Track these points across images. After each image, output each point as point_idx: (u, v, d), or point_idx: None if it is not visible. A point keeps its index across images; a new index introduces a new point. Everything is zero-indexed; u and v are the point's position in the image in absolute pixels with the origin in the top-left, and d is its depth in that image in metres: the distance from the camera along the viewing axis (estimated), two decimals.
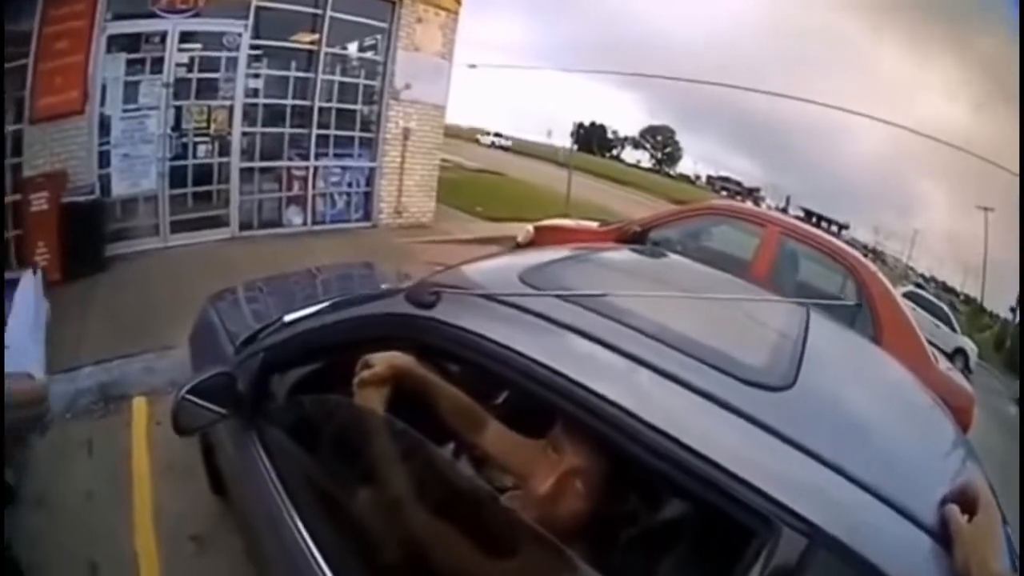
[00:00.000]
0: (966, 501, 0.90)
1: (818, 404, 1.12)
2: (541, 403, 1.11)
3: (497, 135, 50.33)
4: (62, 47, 5.42)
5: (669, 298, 1.49)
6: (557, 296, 1.25)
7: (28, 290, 1.05)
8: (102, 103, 5.98)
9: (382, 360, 1.37)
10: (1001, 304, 33.67)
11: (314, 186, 8.00)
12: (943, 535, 0.84)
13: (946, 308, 16.48)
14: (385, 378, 1.36)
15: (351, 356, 1.41)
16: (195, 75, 6.61)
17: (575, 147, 20.76)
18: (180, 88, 6.50)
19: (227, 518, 2.34)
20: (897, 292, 4.82)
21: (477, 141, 44.87)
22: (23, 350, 0.93)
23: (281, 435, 1.62)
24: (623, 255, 2.24)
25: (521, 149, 48.33)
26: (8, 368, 0.88)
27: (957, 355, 13.77)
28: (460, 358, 1.31)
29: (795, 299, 1.78)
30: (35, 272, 0.95)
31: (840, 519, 0.83)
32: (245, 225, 7.36)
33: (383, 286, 2.26)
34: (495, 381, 1.48)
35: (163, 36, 6.25)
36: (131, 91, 6.19)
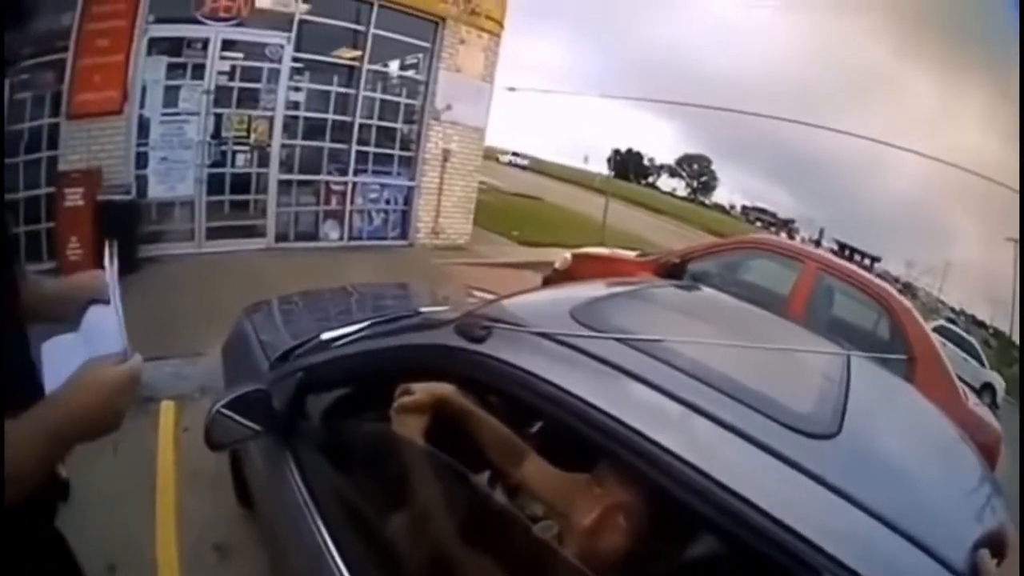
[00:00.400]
0: (996, 545, 0.92)
1: (862, 451, 1.12)
2: (591, 444, 1.10)
3: (515, 154, 50.70)
4: (103, 45, 5.52)
5: (719, 345, 1.47)
6: (612, 338, 1.24)
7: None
8: (141, 105, 6.09)
9: (423, 388, 1.36)
10: None
11: (352, 201, 8.06)
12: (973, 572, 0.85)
13: (975, 343, 16.26)
14: (425, 407, 1.36)
15: (392, 382, 1.40)
16: (236, 84, 6.73)
17: (612, 173, 20.79)
18: (221, 96, 6.61)
19: (252, 530, 2.34)
20: (929, 327, 4.75)
21: (496, 160, 45.23)
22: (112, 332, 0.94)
23: (316, 455, 1.62)
24: (668, 292, 2.23)
25: (549, 171, 48.76)
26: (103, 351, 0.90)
27: (985, 390, 13.61)
28: (509, 394, 1.30)
29: (846, 351, 1.76)
30: (112, 259, 0.96)
31: (881, 568, 0.83)
32: (281, 236, 7.44)
33: (420, 308, 2.26)
34: (536, 415, 1.47)
35: (205, 43, 6.38)
36: (171, 95, 6.31)
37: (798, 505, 0.90)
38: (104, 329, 0.93)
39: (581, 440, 1.13)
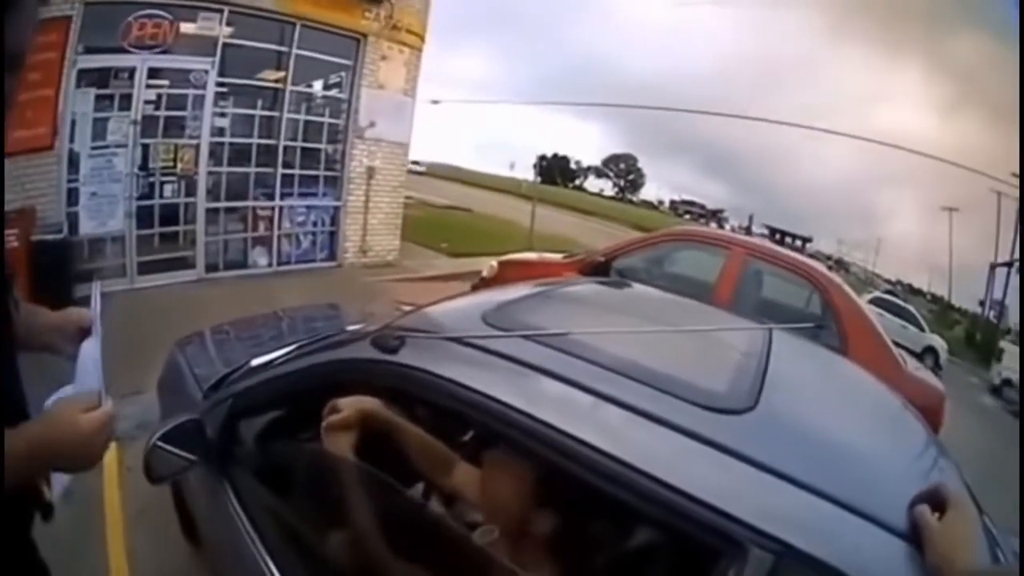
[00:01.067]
0: (936, 501, 0.92)
1: (781, 422, 1.15)
2: (507, 442, 1.13)
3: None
4: (34, 79, 5.33)
5: (625, 333, 1.52)
6: (519, 336, 1.28)
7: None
8: (71, 139, 5.92)
9: (349, 404, 1.38)
10: (969, 299, 34.65)
11: (279, 226, 7.97)
12: (914, 536, 0.86)
13: (913, 309, 16.90)
14: (352, 423, 1.37)
15: (319, 401, 1.41)
16: (162, 113, 6.59)
17: (538, 179, 20.92)
18: (147, 125, 6.46)
19: (201, 563, 2.31)
20: (862, 300, 4.92)
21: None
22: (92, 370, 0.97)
23: (252, 479, 1.61)
24: (586, 288, 2.27)
25: (476, 181, 48.60)
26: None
27: (927, 353, 14.18)
28: (429, 401, 1.32)
29: (752, 325, 1.83)
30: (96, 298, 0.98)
31: (808, 533, 0.85)
32: (211, 267, 7.31)
33: (349, 327, 2.28)
34: (459, 421, 1.50)
35: (131, 72, 6.23)
36: (99, 127, 6.14)
37: (715, 481, 0.93)
38: (88, 366, 0.98)
39: (502, 440, 1.16)
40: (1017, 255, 24.08)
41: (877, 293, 19.38)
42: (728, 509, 0.88)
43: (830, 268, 5.61)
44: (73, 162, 5.99)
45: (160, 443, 1.50)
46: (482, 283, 5.70)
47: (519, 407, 1.08)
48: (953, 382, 10.45)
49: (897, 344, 4.61)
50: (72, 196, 6.02)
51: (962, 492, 0.97)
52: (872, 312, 5.15)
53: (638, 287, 2.51)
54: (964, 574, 0.81)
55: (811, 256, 6.13)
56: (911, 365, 4.52)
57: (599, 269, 5.12)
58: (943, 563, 0.81)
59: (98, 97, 6.09)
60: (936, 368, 12.80)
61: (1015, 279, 24.41)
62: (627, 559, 1.17)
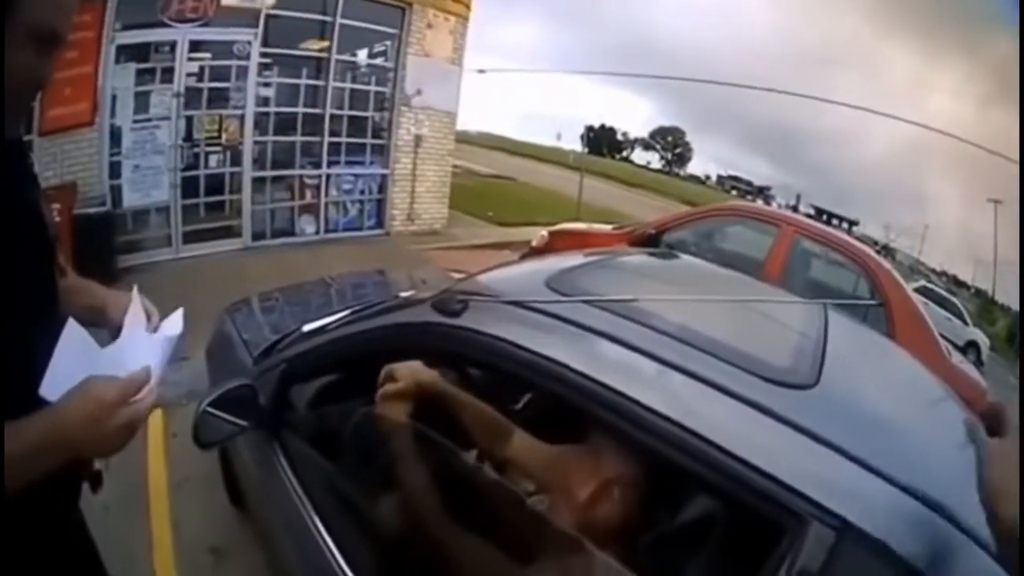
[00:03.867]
0: (995, 419, 0.90)
1: (841, 400, 1.13)
2: (572, 408, 1.11)
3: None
4: (72, 57, 5.39)
5: (693, 301, 1.48)
6: (586, 302, 1.25)
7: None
8: (112, 114, 5.99)
9: (406, 375, 1.36)
10: (1012, 296, 33.59)
11: (326, 194, 7.99)
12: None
13: (957, 302, 16.50)
14: (409, 393, 1.36)
15: (374, 366, 1.40)
16: (206, 84, 6.63)
17: (586, 150, 20.73)
18: (191, 98, 6.51)
19: (246, 530, 2.33)
20: (909, 287, 4.81)
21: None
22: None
23: (304, 445, 1.62)
24: (643, 259, 2.24)
25: (523, 151, 47.59)
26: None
27: (969, 348, 13.85)
28: (488, 365, 1.30)
29: (816, 300, 1.78)
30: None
31: (866, 512, 0.83)
32: (258, 235, 7.36)
33: (398, 293, 2.27)
34: (521, 387, 1.48)
35: (172, 46, 6.26)
36: (141, 101, 6.20)
37: (779, 454, 0.91)
38: (134, 357, 0.91)
39: (562, 406, 1.13)
40: None
41: (923, 282, 18.89)
42: (792, 483, 0.86)
43: (877, 253, 5.45)
44: (115, 136, 6.07)
45: (210, 408, 1.51)
46: (532, 252, 5.70)
47: (582, 371, 1.07)
48: (993, 379, 10.12)
49: (941, 336, 4.49)
50: (114, 170, 6.11)
51: (1016, 423, 0.94)
52: (919, 300, 5.02)
53: (694, 260, 2.47)
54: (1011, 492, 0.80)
55: (858, 239, 5.96)
56: (955, 357, 4.44)
57: (649, 241, 5.11)
58: (1008, 481, 0.82)
59: (139, 71, 6.14)
60: (978, 363, 12.46)
61: None
62: (683, 530, 1.16)
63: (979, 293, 41.24)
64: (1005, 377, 15.28)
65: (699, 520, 1.14)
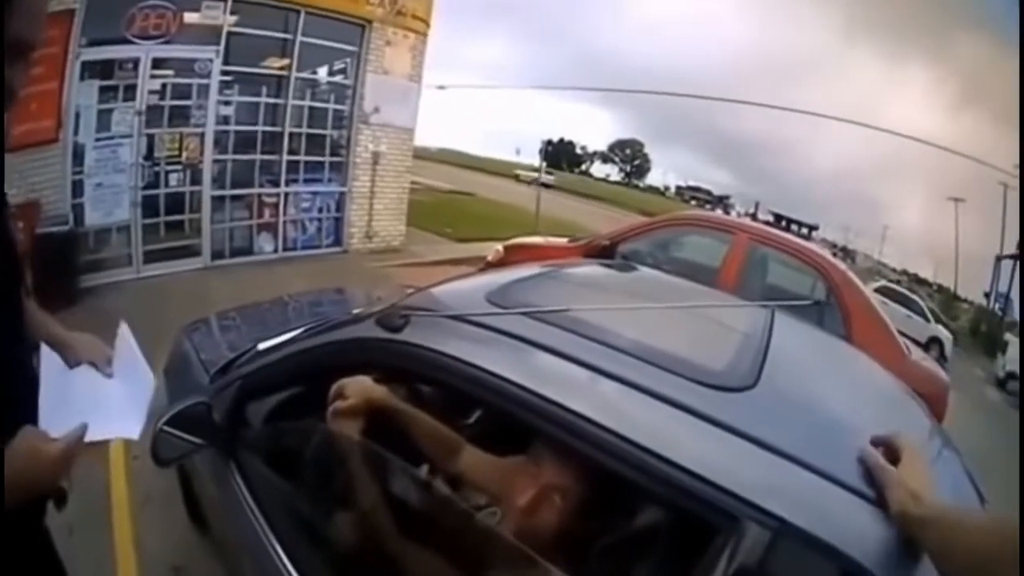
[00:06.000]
0: (889, 447, 0.94)
1: (781, 401, 1.16)
2: (510, 419, 1.13)
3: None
4: (38, 73, 5.31)
5: (633, 310, 1.52)
6: (522, 314, 1.28)
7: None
8: (75, 131, 5.92)
9: (356, 391, 1.37)
10: (974, 290, 34.51)
11: (285, 212, 7.99)
12: (870, 482, 0.89)
13: (919, 299, 16.79)
14: (359, 410, 1.37)
15: (325, 382, 1.42)
16: (167, 102, 6.60)
17: (544, 164, 20.95)
18: (152, 116, 6.48)
19: (207, 547, 2.32)
20: (867, 288, 4.91)
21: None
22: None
23: (259, 462, 1.62)
24: (589, 270, 2.28)
25: (481, 166, 48.45)
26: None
27: (932, 344, 14.02)
28: (432, 379, 1.33)
29: (752, 303, 1.83)
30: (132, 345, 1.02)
31: (805, 509, 0.85)
32: (217, 254, 7.33)
33: (355, 311, 2.28)
34: (467, 400, 1.50)
35: (135, 63, 6.24)
36: (104, 119, 6.15)
37: (713, 457, 0.93)
38: (98, 404, 0.98)
39: (506, 420, 1.16)
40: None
41: (883, 282, 19.27)
42: (725, 484, 0.88)
43: (835, 256, 5.57)
44: (77, 154, 6.00)
45: (167, 427, 1.51)
46: (488, 267, 5.67)
47: (518, 382, 1.09)
48: (958, 373, 10.39)
49: (902, 334, 4.60)
50: (77, 188, 6.03)
51: (916, 446, 0.98)
52: (876, 300, 5.15)
53: (643, 270, 2.52)
54: (919, 517, 0.81)
55: (817, 244, 6.07)
56: (916, 354, 4.53)
57: (604, 253, 5.12)
58: (906, 502, 0.83)
59: (102, 89, 6.10)
60: (941, 359, 12.70)
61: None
62: (625, 535, 1.18)
63: (941, 290, 42.21)
64: (970, 371, 15.70)
65: (641, 526, 1.17)
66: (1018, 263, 24.25)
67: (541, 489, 1.16)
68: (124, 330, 1.13)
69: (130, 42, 6.14)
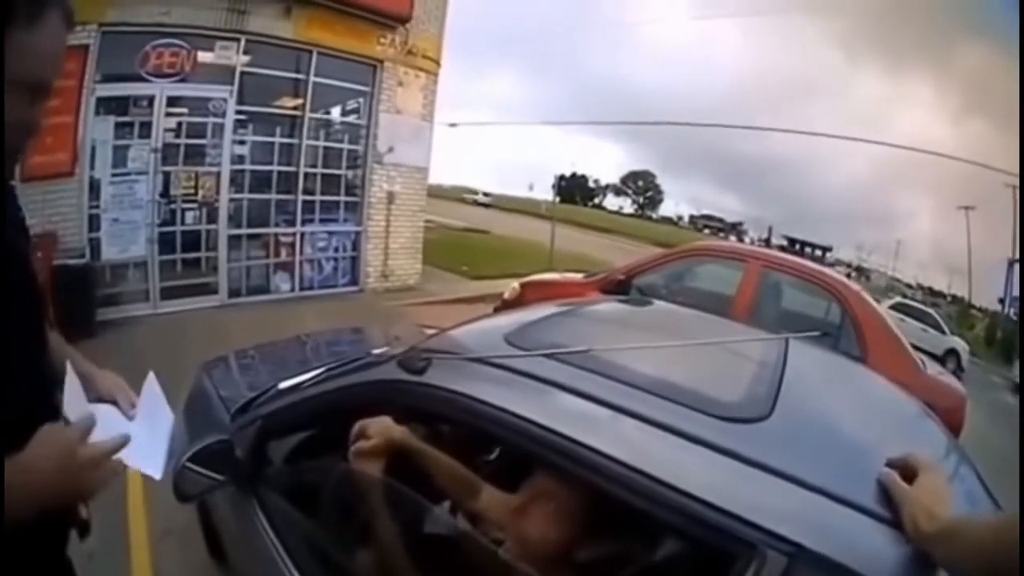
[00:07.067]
0: (906, 468, 0.95)
1: (796, 429, 1.17)
2: (529, 456, 1.16)
3: (485, 194, 54.55)
4: (54, 105, 5.34)
5: (645, 348, 1.54)
6: (542, 355, 1.31)
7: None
8: (91, 166, 6.03)
9: (377, 432, 1.39)
10: (989, 298, 34.24)
11: (301, 252, 8.05)
12: (886, 502, 0.90)
13: (933, 312, 16.69)
14: (380, 451, 1.39)
15: (347, 422, 1.44)
16: (183, 140, 6.71)
17: (557, 199, 21.01)
18: (168, 153, 6.58)
19: None
20: (882, 307, 4.90)
21: (462, 200, 46.74)
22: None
23: (281, 500, 1.64)
24: (606, 307, 2.31)
25: (505, 205, 49.96)
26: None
27: (949, 356, 13.94)
28: (455, 420, 1.35)
29: (766, 335, 1.84)
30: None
31: (821, 534, 0.87)
32: (234, 292, 7.39)
33: (373, 350, 2.32)
34: (485, 439, 1.52)
35: (151, 100, 6.36)
36: (120, 155, 6.26)
37: (727, 486, 0.95)
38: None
39: (523, 456, 1.18)
40: None
41: (898, 299, 19.18)
42: (741, 513, 0.90)
43: (849, 276, 5.58)
44: (94, 189, 6.11)
45: (189, 463, 1.53)
46: (504, 305, 5.70)
47: (539, 422, 1.12)
48: (976, 381, 10.24)
49: (918, 348, 4.58)
50: (93, 222, 6.13)
51: (935, 463, 0.98)
52: (892, 318, 5.13)
53: (658, 304, 2.54)
54: (931, 533, 0.82)
55: (831, 265, 6.06)
56: (932, 369, 4.50)
57: (620, 287, 5.16)
58: (920, 521, 0.83)
59: (118, 125, 6.23)
60: (958, 370, 12.59)
61: None
62: (645, 568, 1.19)
63: (956, 300, 41.82)
64: (987, 378, 15.50)
65: (661, 558, 1.18)
66: (1018, 266, 24.00)
67: (560, 523, 1.18)
68: (151, 379, 1.16)
69: (144, 79, 6.28)
